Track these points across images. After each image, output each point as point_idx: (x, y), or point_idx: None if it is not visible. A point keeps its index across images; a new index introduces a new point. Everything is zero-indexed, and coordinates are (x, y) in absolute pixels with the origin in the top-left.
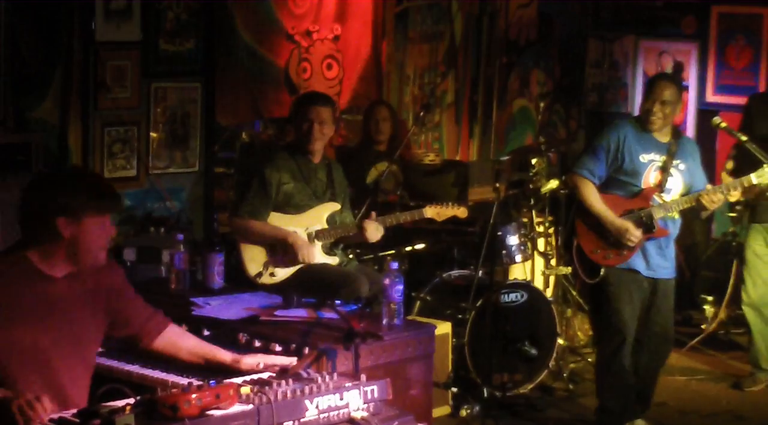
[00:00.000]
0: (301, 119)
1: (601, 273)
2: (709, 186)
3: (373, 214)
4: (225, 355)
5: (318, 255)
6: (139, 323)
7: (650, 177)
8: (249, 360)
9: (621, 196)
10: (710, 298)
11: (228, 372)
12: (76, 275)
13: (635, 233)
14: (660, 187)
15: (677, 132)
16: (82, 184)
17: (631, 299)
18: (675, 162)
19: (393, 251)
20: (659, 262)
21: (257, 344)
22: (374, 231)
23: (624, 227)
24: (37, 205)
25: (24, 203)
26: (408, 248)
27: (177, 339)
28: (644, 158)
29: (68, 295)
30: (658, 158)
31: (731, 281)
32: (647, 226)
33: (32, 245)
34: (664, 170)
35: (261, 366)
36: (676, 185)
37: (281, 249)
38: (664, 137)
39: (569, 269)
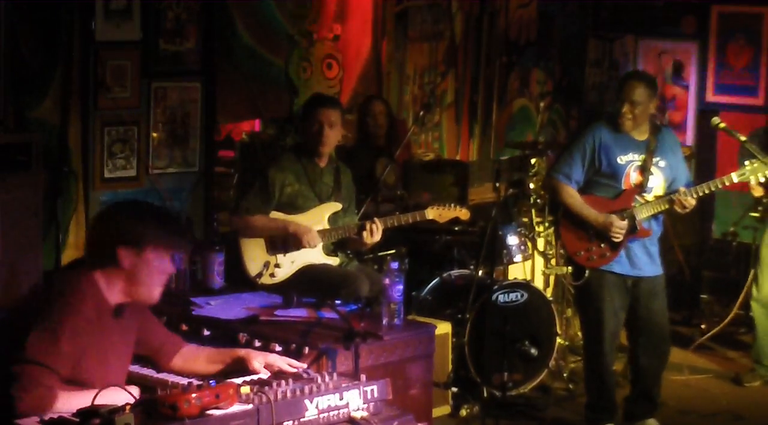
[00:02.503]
0: (309, 121)
1: (585, 275)
2: (682, 189)
3: (376, 220)
4: (239, 351)
5: (319, 255)
6: (158, 343)
7: (630, 177)
8: (258, 364)
9: (602, 197)
10: (707, 297)
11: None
12: (127, 306)
13: (620, 225)
14: (641, 187)
15: (656, 127)
16: (148, 215)
17: (612, 300)
18: (655, 159)
19: (393, 251)
20: (644, 260)
21: (257, 344)
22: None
23: (608, 221)
24: (101, 230)
25: (91, 227)
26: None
27: (194, 352)
28: (622, 159)
29: (119, 326)
30: (636, 158)
31: (749, 280)
32: (630, 227)
33: (97, 268)
34: (644, 169)
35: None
36: (657, 182)
37: (281, 240)
38: (641, 134)
39: (569, 269)
